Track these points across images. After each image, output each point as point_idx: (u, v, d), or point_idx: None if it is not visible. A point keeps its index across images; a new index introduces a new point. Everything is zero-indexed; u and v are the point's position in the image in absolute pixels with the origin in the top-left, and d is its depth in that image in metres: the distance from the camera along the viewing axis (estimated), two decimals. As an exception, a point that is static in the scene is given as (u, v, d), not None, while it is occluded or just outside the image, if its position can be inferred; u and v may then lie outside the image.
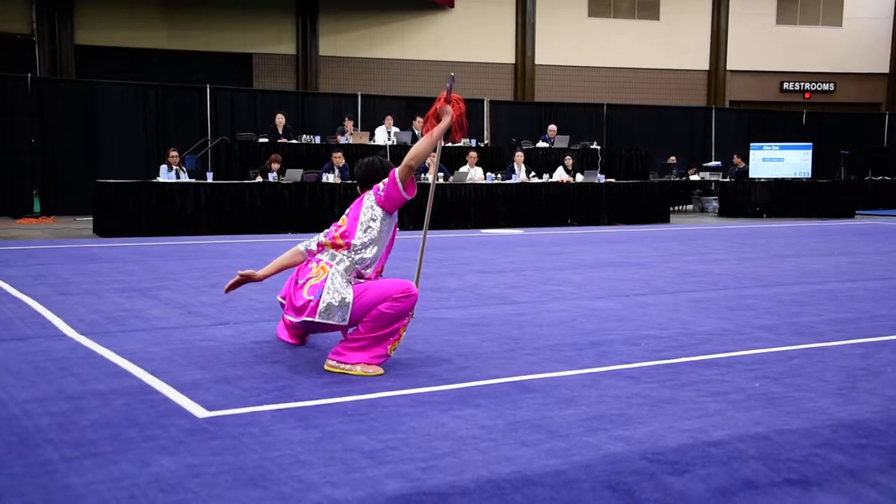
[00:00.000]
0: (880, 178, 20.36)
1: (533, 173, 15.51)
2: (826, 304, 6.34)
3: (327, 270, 4.21)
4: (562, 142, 17.44)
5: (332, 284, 4.14)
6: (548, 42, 25.76)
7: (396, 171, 4.34)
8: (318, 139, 15.56)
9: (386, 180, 4.35)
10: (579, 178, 15.61)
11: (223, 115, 17.65)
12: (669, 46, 26.93)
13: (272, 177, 13.24)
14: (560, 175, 15.60)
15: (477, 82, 24.71)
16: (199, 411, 3.50)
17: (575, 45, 26.06)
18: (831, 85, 28.58)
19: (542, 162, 16.64)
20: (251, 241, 11.73)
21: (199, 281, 7.53)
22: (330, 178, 13.60)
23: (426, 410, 3.56)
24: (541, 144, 17.58)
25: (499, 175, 15.09)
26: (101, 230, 12.28)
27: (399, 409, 3.59)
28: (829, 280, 7.75)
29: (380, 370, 4.15)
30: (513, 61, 25.70)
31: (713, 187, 19.61)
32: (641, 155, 18.64)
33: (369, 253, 4.31)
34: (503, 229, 13.89)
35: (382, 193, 4.33)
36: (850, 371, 4.25)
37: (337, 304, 4.09)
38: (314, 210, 13.21)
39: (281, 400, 3.68)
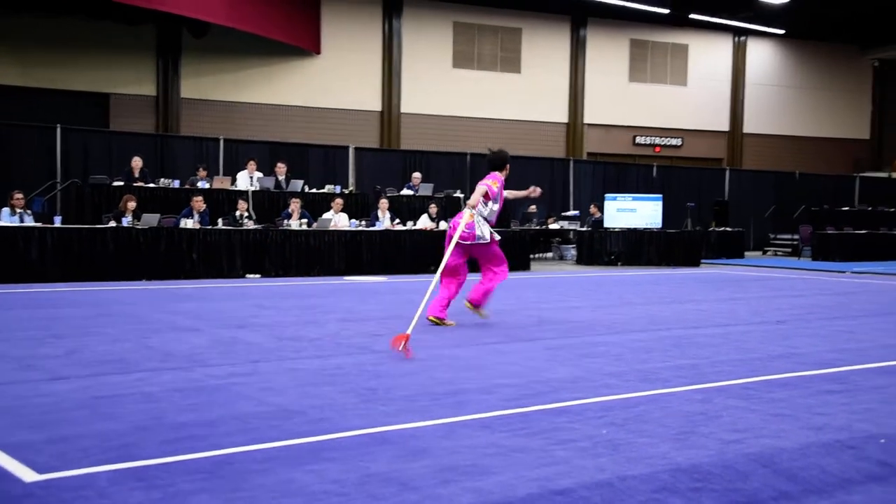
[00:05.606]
0: (722, 229, 21.64)
1: (397, 220, 15.60)
2: (671, 351, 6.64)
3: (474, 216, 7.90)
4: (426, 189, 17.65)
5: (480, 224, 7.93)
6: (413, 91, 26.17)
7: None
8: (177, 183, 15.13)
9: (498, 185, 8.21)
10: (443, 225, 15.80)
11: (75, 157, 16.89)
12: (530, 99, 27.87)
13: (126, 221, 12.75)
14: (424, 222, 15.76)
15: (342, 129, 24.76)
16: (28, 475, 3.28)
17: (440, 94, 26.58)
18: (679, 140, 30.28)
19: (406, 209, 16.77)
20: (102, 288, 11.21)
21: (41, 332, 7.11)
22: (189, 223, 13.22)
23: (276, 466, 3.48)
24: (405, 192, 17.74)
25: (363, 222, 15.10)
26: (-66, 277, 11.44)
27: (248, 465, 3.49)
28: (675, 327, 8.13)
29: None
30: (379, 109, 25.93)
31: (571, 236, 20.29)
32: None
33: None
34: (367, 276, 13.87)
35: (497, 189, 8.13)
36: (690, 416, 4.44)
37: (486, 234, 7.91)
38: (171, 256, 12.78)
39: (121, 459, 3.51)
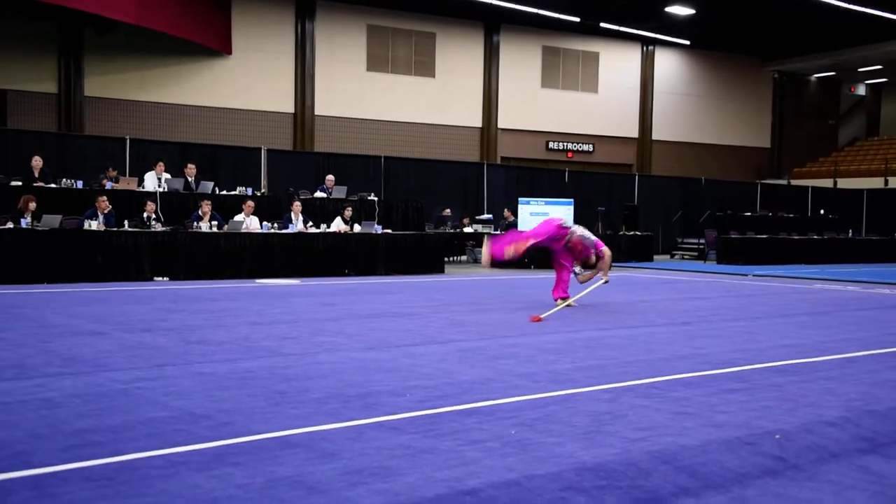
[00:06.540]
0: (632, 233, 22.17)
1: (310, 223, 15.45)
2: (581, 352, 6.75)
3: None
4: (340, 192, 17.53)
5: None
6: (327, 93, 26.00)
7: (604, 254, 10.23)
8: (80, 183, 14.62)
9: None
10: (357, 228, 15.74)
11: (-30, 155, 16.19)
12: (445, 103, 28.03)
13: (26, 222, 12.26)
14: (338, 225, 15.65)
15: (255, 130, 24.41)
16: (-87, 486, 3.12)
17: (354, 97, 26.47)
18: (591, 146, 30.91)
19: (319, 212, 16.61)
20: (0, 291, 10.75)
21: (-69, 337, 6.77)
22: (93, 224, 12.80)
23: (180, 471, 3.39)
24: (319, 194, 17.58)
25: (275, 224, 14.90)
26: None
27: (150, 471, 3.39)
28: (585, 329, 8.28)
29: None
30: (292, 111, 25.67)
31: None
32: (417, 207, 19.09)
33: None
34: (279, 279, 13.69)
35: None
36: (597, 416, 4.53)
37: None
38: (75, 259, 12.35)
39: (14, 468, 3.36)
